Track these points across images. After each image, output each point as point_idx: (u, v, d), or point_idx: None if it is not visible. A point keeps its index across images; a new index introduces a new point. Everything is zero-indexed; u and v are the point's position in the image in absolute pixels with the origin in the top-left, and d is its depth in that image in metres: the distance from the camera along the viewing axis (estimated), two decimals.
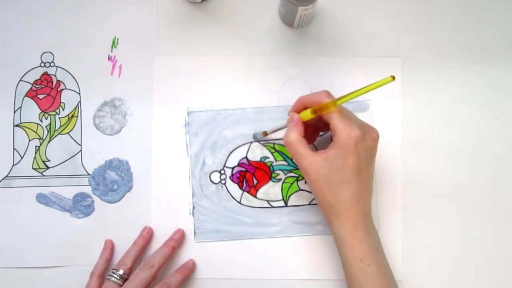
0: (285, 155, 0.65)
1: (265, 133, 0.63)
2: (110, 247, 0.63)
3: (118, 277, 0.59)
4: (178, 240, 0.63)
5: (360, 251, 0.54)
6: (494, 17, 0.66)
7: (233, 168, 0.65)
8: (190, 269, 0.63)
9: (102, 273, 0.61)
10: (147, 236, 0.63)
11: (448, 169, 0.64)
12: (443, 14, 0.66)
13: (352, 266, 0.55)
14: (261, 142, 0.65)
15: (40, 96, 0.66)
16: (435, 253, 0.64)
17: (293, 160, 0.57)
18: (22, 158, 0.65)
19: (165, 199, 0.64)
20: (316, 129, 0.61)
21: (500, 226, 0.64)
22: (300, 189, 0.64)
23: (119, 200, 0.65)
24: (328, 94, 0.56)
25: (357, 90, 0.51)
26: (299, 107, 0.58)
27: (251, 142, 0.65)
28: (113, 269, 0.60)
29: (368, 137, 0.55)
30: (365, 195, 0.55)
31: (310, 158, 0.55)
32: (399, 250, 0.63)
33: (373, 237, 0.56)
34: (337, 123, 0.54)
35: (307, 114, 0.56)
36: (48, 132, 0.66)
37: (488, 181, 0.64)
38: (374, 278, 0.54)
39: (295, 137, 0.56)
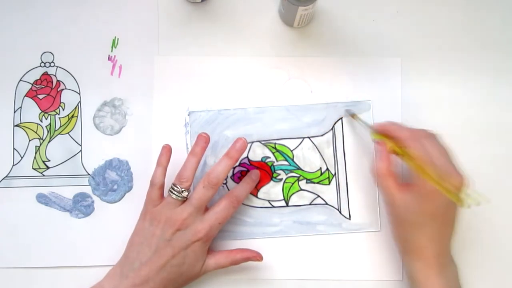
0: (286, 155, 0.65)
1: (354, 116, 0.64)
2: (168, 152, 0.60)
3: (180, 197, 0.57)
4: (240, 150, 0.59)
5: None
6: (494, 17, 0.66)
7: (234, 168, 0.65)
8: (255, 181, 0.62)
9: (163, 184, 0.59)
10: (205, 145, 0.59)
11: None
12: (443, 14, 0.66)
13: None
14: (262, 142, 0.65)
15: (40, 96, 0.66)
16: None
17: (380, 192, 0.59)
18: (22, 158, 0.65)
19: None
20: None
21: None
22: (301, 189, 0.64)
23: (119, 200, 0.65)
24: (411, 135, 0.56)
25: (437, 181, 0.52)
26: (382, 132, 0.58)
27: (252, 142, 0.65)
28: (175, 185, 0.58)
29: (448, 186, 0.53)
30: (441, 237, 0.55)
31: (394, 195, 0.56)
32: None
33: (447, 277, 0.55)
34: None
35: (392, 149, 0.57)
36: (48, 132, 0.65)
37: (488, 180, 0.64)
38: None
39: (386, 170, 0.57)
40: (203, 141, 0.59)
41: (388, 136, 0.58)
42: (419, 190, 0.54)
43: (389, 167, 0.57)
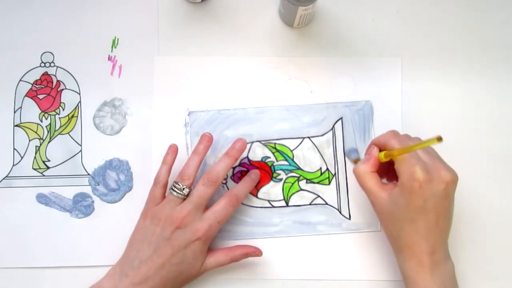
0: (286, 155, 0.65)
1: (356, 161, 0.64)
2: (174, 152, 0.61)
3: (182, 195, 0.58)
4: (240, 150, 0.60)
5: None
6: (494, 17, 0.66)
7: (234, 168, 0.65)
8: (255, 181, 0.63)
9: (166, 182, 0.60)
10: (208, 144, 0.61)
11: None
12: (443, 14, 0.66)
13: None
14: (262, 142, 0.65)
15: (40, 96, 0.66)
16: None
17: (364, 192, 0.57)
18: (22, 158, 0.65)
19: None
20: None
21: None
22: (301, 189, 0.64)
23: (119, 200, 0.65)
24: (394, 135, 0.56)
25: (413, 146, 0.51)
26: (378, 145, 0.58)
27: (252, 142, 0.65)
28: (177, 183, 0.58)
29: (436, 179, 0.52)
30: (434, 233, 0.54)
31: (376, 193, 0.55)
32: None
33: (440, 274, 0.54)
34: (399, 164, 0.53)
35: (381, 157, 0.56)
36: (48, 132, 0.66)
37: (488, 178, 0.64)
38: None
39: (364, 170, 0.56)
40: (206, 140, 0.60)
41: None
42: (406, 185, 0.53)
43: (371, 169, 0.56)
